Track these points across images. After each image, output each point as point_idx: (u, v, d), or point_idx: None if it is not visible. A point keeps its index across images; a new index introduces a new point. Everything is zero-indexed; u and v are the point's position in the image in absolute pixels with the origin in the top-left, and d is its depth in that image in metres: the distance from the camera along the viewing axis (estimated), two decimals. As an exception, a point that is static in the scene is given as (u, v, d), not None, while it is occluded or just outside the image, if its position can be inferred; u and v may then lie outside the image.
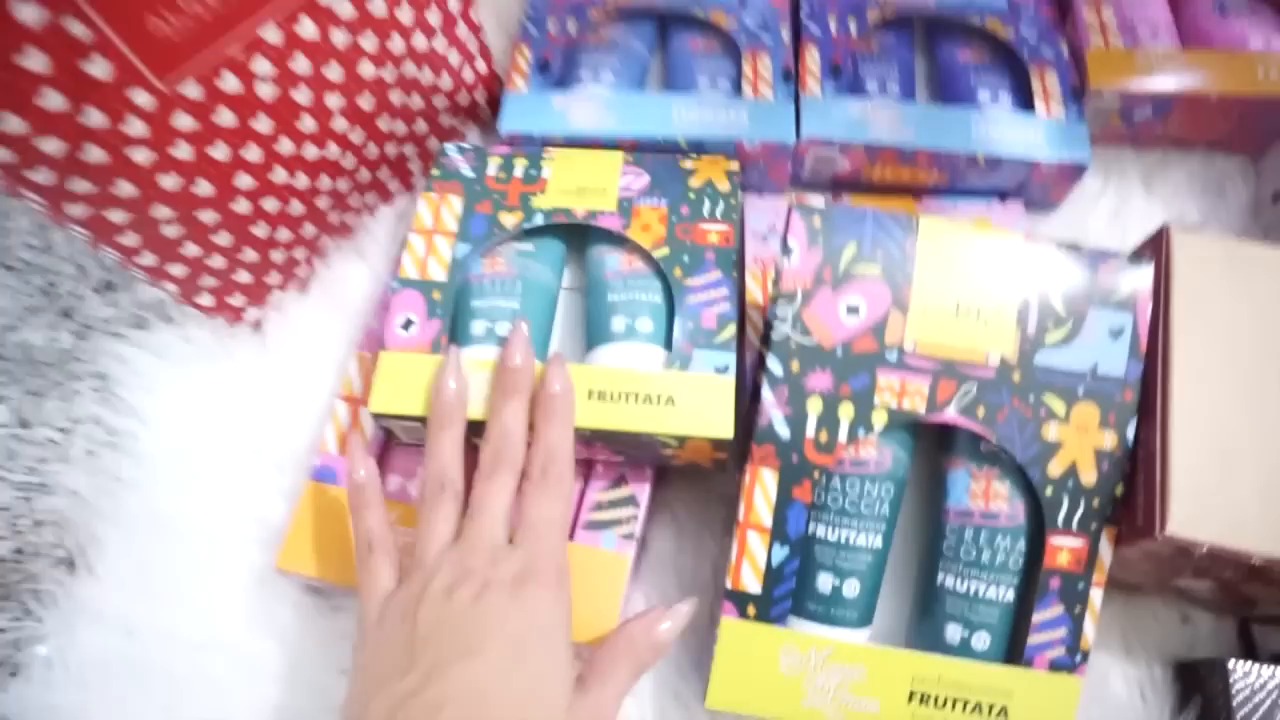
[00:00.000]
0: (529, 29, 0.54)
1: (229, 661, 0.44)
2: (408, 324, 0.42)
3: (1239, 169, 0.54)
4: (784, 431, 0.39)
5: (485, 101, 0.53)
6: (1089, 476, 0.39)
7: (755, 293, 0.48)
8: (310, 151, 0.44)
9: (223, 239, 0.43)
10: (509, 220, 0.45)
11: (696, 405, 0.40)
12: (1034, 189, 0.51)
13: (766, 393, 0.39)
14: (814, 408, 0.39)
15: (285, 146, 0.42)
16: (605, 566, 0.42)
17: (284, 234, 0.46)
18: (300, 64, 0.40)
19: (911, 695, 0.38)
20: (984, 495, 0.40)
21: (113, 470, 0.48)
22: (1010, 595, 0.39)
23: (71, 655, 0.44)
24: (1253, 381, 0.38)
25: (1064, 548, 0.39)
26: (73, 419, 0.51)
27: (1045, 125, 0.50)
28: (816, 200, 0.41)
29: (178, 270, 0.43)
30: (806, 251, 0.40)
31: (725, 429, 0.39)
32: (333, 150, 0.45)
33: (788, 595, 0.39)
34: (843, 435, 0.39)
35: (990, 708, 0.38)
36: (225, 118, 0.38)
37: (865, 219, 0.40)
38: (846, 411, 0.39)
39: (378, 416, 0.41)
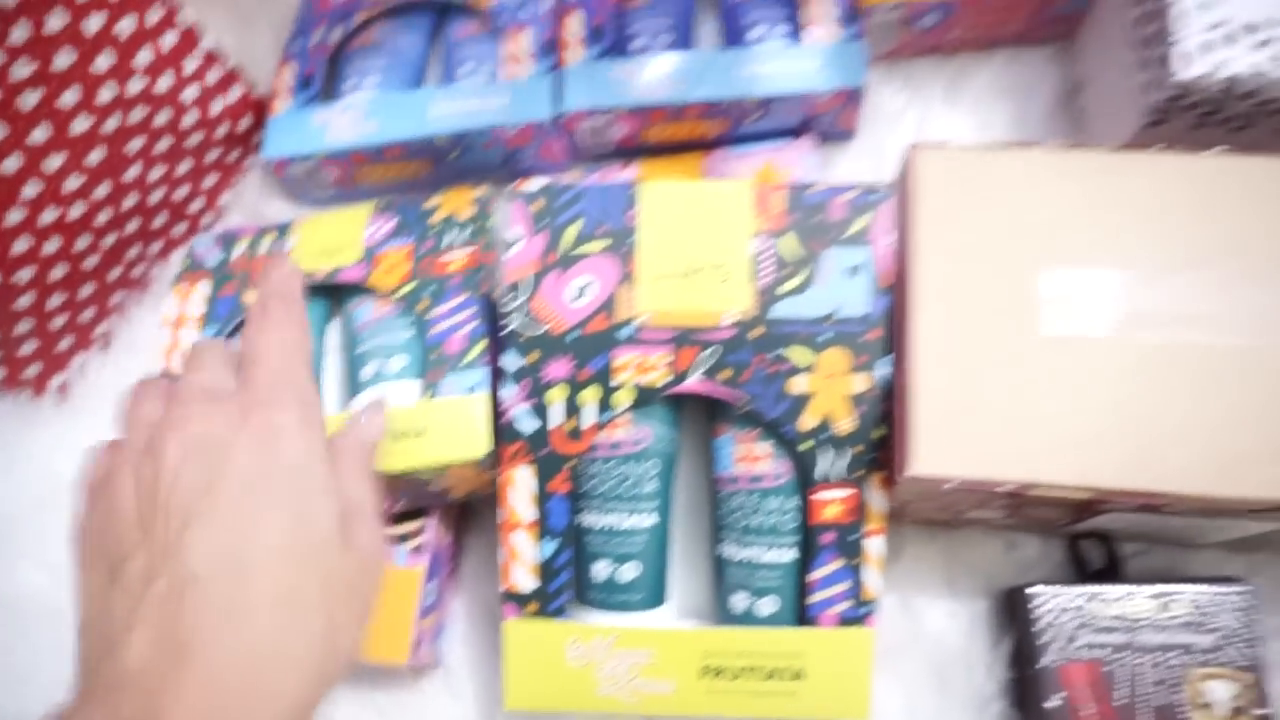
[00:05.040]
0: (292, 44, 0.53)
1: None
2: None
3: (1047, 61, 0.51)
4: (528, 426, 0.38)
5: (256, 128, 0.53)
6: (846, 424, 0.37)
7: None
8: (48, 216, 0.43)
9: (-17, 317, 0.43)
10: (253, 297, 0.44)
11: (448, 430, 0.39)
12: (820, 122, 0.49)
13: (507, 389, 0.38)
14: (556, 396, 0.38)
15: (14, 216, 0.42)
16: (396, 583, 0.41)
17: (56, 299, 0.46)
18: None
19: (705, 670, 0.38)
20: (747, 459, 0.39)
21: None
22: (791, 555, 0.38)
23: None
24: (996, 297, 0.36)
25: (832, 500, 0.37)
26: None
27: (818, 52, 0.48)
28: (537, 182, 0.40)
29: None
30: (531, 239, 0.39)
31: (478, 447, 0.38)
32: (76, 210, 0.44)
33: (566, 586, 0.38)
34: (589, 420, 0.38)
35: (784, 670, 0.37)
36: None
37: (585, 195, 0.39)
38: (591, 395, 0.38)
39: None
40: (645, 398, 0.38)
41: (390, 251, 0.44)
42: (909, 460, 0.34)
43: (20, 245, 0.43)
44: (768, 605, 0.38)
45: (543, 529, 0.38)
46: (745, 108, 0.47)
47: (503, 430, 0.38)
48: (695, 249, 0.38)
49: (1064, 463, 0.34)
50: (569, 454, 0.38)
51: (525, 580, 0.38)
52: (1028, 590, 0.38)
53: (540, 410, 0.38)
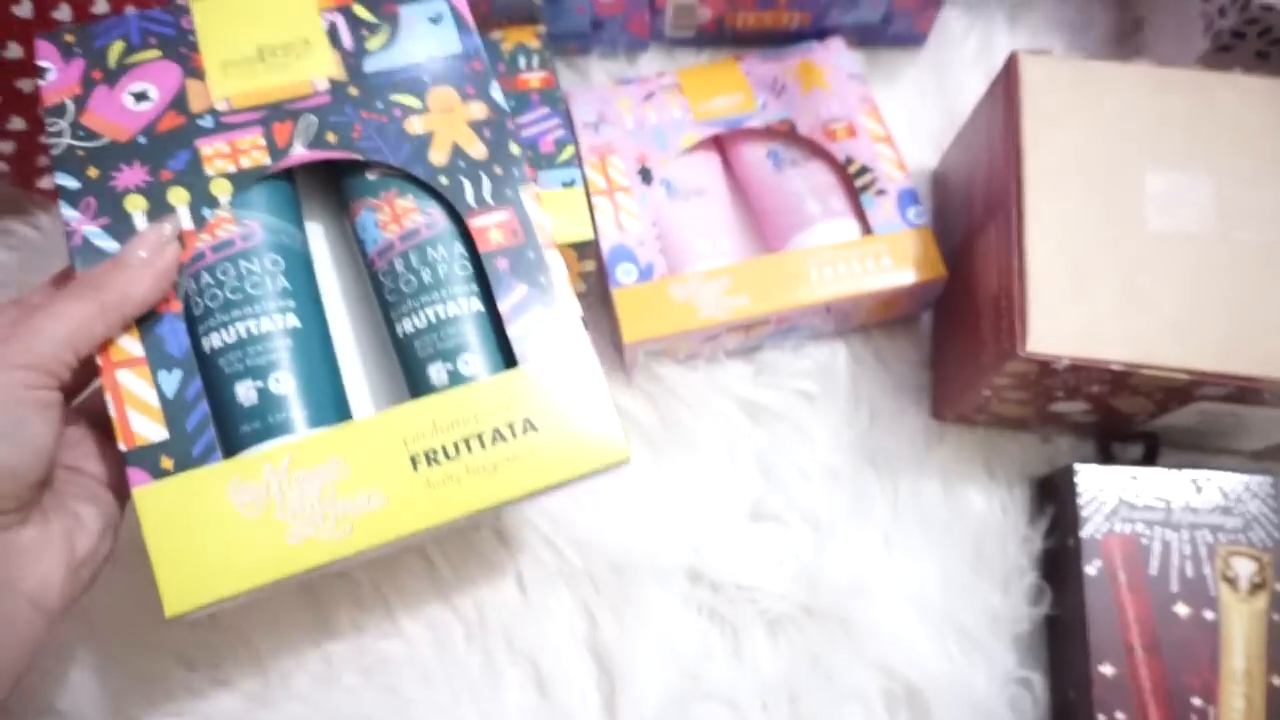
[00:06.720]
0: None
1: None
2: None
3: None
4: (110, 244, 0.32)
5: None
6: (477, 150, 0.36)
7: (597, 180, 0.46)
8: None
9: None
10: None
11: (556, 218, 0.43)
12: (899, 21, 0.51)
13: (68, 210, 0.33)
14: (137, 205, 0.33)
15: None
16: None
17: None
18: None
19: (417, 460, 0.32)
20: (395, 219, 0.36)
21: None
22: (476, 305, 0.35)
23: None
24: (1104, 194, 0.39)
25: (491, 225, 0.35)
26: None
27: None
28: (65, 27, 0.37)
29: (5, 146, 0.41)
30: (64, 67, 0.35)
31: (584, 231, 0.43)
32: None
33: (205, 425, 0.31)
34: (188, 222, 0.33)
35: (511, 427, 0.33)
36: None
37: (126, 21, 0.36)
38: (180, 196, 0.34)
39: None
40: (248, 184, 0.34)
41: None
42: (1025, 339, 0.36)
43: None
44: (470, 363, 0.34)
45: (155, 360, 0.31)
46: (834, -3, 0.48)
47: (75, 253, 0.32)
48: (265, 34, 0.37)
49: (1170, 348, 0.36)
50: None
51: (150, 428, 0.31)
52: (1076, 465, 0.41)
53: (121, 224, 0.33)
